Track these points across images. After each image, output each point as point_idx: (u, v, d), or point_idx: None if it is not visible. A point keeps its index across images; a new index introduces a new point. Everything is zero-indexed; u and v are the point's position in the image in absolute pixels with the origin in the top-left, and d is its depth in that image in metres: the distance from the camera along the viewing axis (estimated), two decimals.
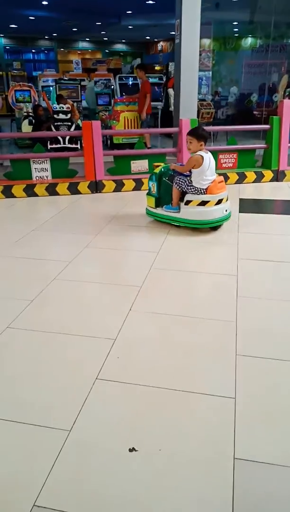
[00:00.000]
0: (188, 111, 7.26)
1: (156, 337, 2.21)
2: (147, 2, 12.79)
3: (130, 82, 11.78)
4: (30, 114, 8.91)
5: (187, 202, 3.78)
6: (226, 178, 5.82)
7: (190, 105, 7.37)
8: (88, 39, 21.69)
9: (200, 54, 7.49)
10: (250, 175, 5.89)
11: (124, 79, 11.96)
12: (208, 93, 11.66)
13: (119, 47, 23.20)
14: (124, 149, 6.70)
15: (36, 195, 5.20)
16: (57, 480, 1.39)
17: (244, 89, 12.02)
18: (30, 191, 5.18)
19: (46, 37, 20.72)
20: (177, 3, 7.01)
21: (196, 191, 3.74)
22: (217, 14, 11.38)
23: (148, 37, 20.41)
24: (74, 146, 7.42)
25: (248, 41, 13.39)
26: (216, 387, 1.81)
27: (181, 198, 3.83)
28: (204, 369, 1.94)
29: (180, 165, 4.01)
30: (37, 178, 5.37)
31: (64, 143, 7.39)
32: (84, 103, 11.07)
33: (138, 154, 5.68)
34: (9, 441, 1.55)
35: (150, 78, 12.00)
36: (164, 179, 3.95)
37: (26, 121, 8.79)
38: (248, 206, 4.73)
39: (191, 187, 3.75)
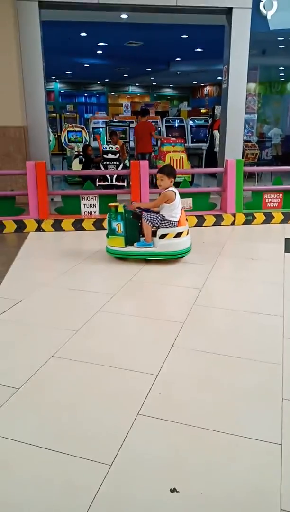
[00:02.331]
0: (233, 152, 7.39)
1: (198, 375, 2.18)
2: (195, 50, 13.38)
3: (177, 124, 12.21)
4: (81, 153, 9.38)
5: (163, 236, 3.96)
6: (271, 217, 5.79)
7: (235, 146, 7.51)
8: (137, 83, 22.82)
9: (246, 98, 7.68)
10: None
11: (170, 121, 12.43)
12: (253, 134, 11.84)
13: (167, 91, 24.21)
14: None
15: (83, 229, 5.40)
16: None
17: (289, 131, 12.10)
18: (78, 225, 5.39)
19: (98, 82, 22.03)
20: (225, 50, 7.32)
21: (169, 225, 3.96)
22: (263, 60, 11.71)
23: (195, 82, 21.20)
24: (120, 184, 7.70)
25: None
26: (261, 432, 1.74)
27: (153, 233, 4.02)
28: (248, 412, 1.88)
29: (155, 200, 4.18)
30: (86, 213, 5.58)
31: (111, 181, 7.69)
32: (131, 144, 11.54)
33: (183, 193, 5.79)
34: (50, 471, 1.55)
35: (195, 121, 12.43)
36: (128, 217, 4.01)
37: (76, 160, 9.26)
38: None
39: (165, 221, 3.96)
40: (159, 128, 11.87)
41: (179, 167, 8.24)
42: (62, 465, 1.58)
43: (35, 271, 3.87)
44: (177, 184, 6.87)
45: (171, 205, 3.95)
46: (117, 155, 8.16)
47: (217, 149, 9.45)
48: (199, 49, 13.34)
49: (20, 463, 1.59)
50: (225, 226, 5.68)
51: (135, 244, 4.02)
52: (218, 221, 5.70)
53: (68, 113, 16.22)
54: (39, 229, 5.32)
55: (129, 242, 3.99)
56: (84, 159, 9.16)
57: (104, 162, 8.11)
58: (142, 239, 4.07)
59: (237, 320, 2.86)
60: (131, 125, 11.09)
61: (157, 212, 4.03)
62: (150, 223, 3.95)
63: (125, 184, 7.78)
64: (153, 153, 9.61)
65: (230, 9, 6.95)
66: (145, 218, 3.95)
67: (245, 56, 7.17)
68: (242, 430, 1.75)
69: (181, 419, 1.82)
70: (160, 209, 4.02)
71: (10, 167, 6.52)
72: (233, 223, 5.73)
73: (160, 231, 3.96)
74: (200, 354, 2.38)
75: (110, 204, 4.08)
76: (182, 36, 11.54)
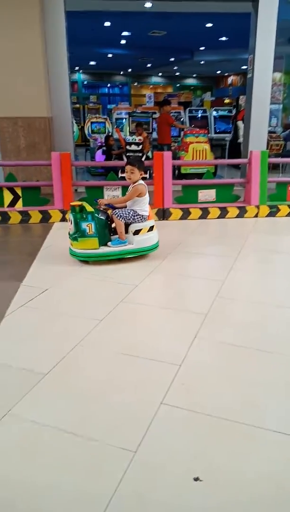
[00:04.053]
0: (257, 143, 7.28)
1: (221, 366, 2.19)
2: (220, 39, 13.17)
3: (199, 115, 12.07)
4: (103, 144, 9.41)
5: (137, 232, 3.82)
6: None
7: (260, 137, 7.40)
8: (160, 74, 22.64)
9: (271, 88, 7.54)
10: None
11: (193, 112, 12.29)
12: (278, 125, 11.60)
13: (190, 81, 23.94)
14: (192, 179, 6.82)
15: None
16: (121, 502, 1.40)
17: None
18: None
19: (121, 72, 21.96)
20: (251, 39, 7.17)
21: (142, 219, 3.83)
22: (289, 49, 11.43)
23: (218, 72, 20.88)
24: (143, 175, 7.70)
25: None
26: (285, 425, 1.74)
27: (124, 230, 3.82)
28: (271, 405, 1.88)
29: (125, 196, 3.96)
30: None
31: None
32: (154, 134, 11.50)
33: (206, 184, 5.76)
34: (76, 455, 1.60)
35: (219, 111, 12.26)
36: (97, 216, 3.72)
37: (99, 151, 9.29)
38: None
39: (137, 216, 3.81)
40: (182, 119, 11.77)
41: (202, 158, 8.18)
42: (88, 449, 1.62)
43: (60, 261, 3.93)
44: (200, 175, 6.87)
45: (143, 199, 3.81)
46: (140, 147, 8.14)
47: (241, 140, 9.33)
48: (223, 38, 13.13)
49: (47, 446, 1.64)
50: (249, 218, 5.62)
51: (109, 243, 3.78)
52: (241, 213, 5.64)
53: (91, 104, 16.24)
54: (64, 219, 5.38)
55: (101, 242, 3.73)
56: (106, 150, 9.19)
57: (127, 154, 8.11)
58: (113, 237, 3.84)
59: (260, 313, 2.85)
60: (154, 115, 11.03)
61: (125, 207, 3.86)
62: (122, 220, 3.75)
63: (147, 175, 7.77)
64: (175, 144, 9.56)
65: None
66: (117, 215, 3.74)
67: (271, 45, 7.03)
68: (266, 423, 1.75)
69: (204, 410, 1.83)
70: (132, 203, 3.82)
71: (36, 158, 6.60)
72: (256, 215, 5.67)
73: (133, 227, 3.80)
74: (223, 345, 2.38)
75: (72, 203, 3.78)
76: (207, 25, 11.37)
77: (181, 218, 5.54)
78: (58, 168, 5.31)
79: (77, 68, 19.95)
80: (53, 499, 1.41)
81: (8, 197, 5.46)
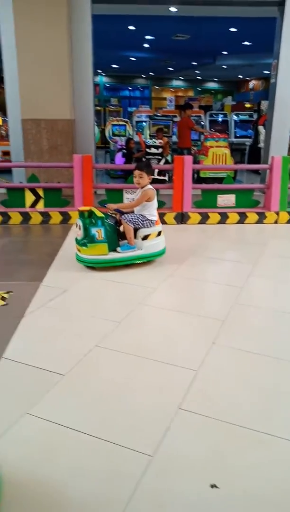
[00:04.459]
0: (279, 149, 7.22)
1: (238, 373, 2.18)
2: (243, 43, 13.11)
3: (220, 119, 12.03)
4: (123, 147, 9.46)
5: (146, 237, 3.76)
6: None
7: (281, 143, 7.33)
8: (181, 77, 22.66)
9: None
10: None
11: (214, 116, 12.26)
12: None
13: (211, 85, 23.88)
14: (211, 183, 6.81)
15: None
16: (138, 506, 1.41)
17: None
18: None
19: (142, 75, 22.05)
20: (276, 44, 7.12)
21: (151, 224, 3.78)
22: None
23: (240, 76, 20.78)
24: (162, 178, 7.72)
25: None
26: None
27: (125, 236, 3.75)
28: (289, 414, 1.87)
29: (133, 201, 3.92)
30: None
31: (153, 175, 7.71)
32: (173, 138, 11.51)
33: (226, 189, 5.74)
34: (94, 457, 1.61)
35: (240, 115, 12.19)
36: (107, 221, 3.68)
37: (119, 154, 9.35)
38: None
39: (146, 221, 3.76)
40: (202, 123, 11.75)
41: (222, 163, 8.15)
42: (105, 452, 1.63)
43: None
44: (219, 180, 6.85)
45: (152, 204, 3.78)
46: (160, 150, 8.17)
47: (261, 144, 9.26)
48: (247, 43, 13.05)
49: (65, 447, 1.66)
50: (268, 224, 5.57)
51: (118, 249, 3.71)
52: (261, 218, 5.60)
53: (112, 107, 16.36)
54: None
55: (110, 248, 3.65)
56: (126, 153, 9.24)
57: (147, 156, 8.15)
58: (121, 243, 3.76)
59: (279, 320, 2.82)
60: (175, 119, 11.04)
61: (132, 212, 3.81)
62: (132, 224, 3.70)
63: (166, 178, 7.80)
64: (195, 148, 9.55)
65: (283, 0, 6.75)
66: (127, 220, 3.69)
67: None
68: (282, 432, 1.74)
69: (221, 416, 1.83)
70: (140, 208, 3.77)
71: (58, 159, 6.67)
72: (276, 222, 5.62)
73: (142, 232, 3.75)
74: (240, 352, 2.37)
75: (80, 208, 3.70)
76: (230, 29, 11.32)
77: (199, 223, 5.53)
78: (80, 170, 5.37)
79: (99, 70, 20.12)
80: (71, 500, 1.43)
81: (30, 198, 5.54)
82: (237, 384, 2.08)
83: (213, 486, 1.48)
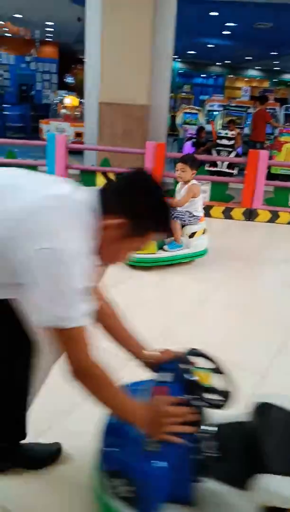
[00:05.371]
0: None
1: None
2: None
3: None
4: (194, 136, 9.35)
5: (192, 235, 3.58)
6: None
7: None
8: (258, 67, 21.86)
9: None
10: None
11: None
12: None
13: (288, 77, 22.81)
14: (284, 181, 6.58)
15: None
16: None
17: None
18: None
19: (218, 63, 21.53)
20: None
21: (196, 221, 3.60)
22: None
23: None
24: (230, 171, 7.56)
25: None
26: None
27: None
28: None
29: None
30: None
31: (221, 167, 7.58)
32: (245, 130, 11.20)
33: None
34: None
35: None
36: None
37: (189, 143, 9.24)
38: None
39: (192, 218, 3.59)
40: (276, 116, 11.30)
41: None
42: None
43: None
44: None
45: (197, 200, 3.62)
46: (232, 142, 7.99)
47: None
48: None
49: None
50: None
51: (166, 247, 3.56)
52: None
53: (184, 94, 16.14)
54: None
55: (158, 246, 3.53)
56: (196, 142, 9.12)
57: (217, 148, 8.00)
58: (168, 240, 3.61)
59: None
60: (248, 110, 10.72)
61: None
62: (180, 221, 3.58)
63: (235, 172, 7.62)
64: (267, 142, 9.24)
65: None
66: (174, 216, 3.56)
67: None
68: None
69: None
70: (187, 204, 3.59)
71: (130, 145, 6.73)
72: None
73: (189, 229, 3.61)
74: None
75: None
76: None
77: (268, 221, 5.38)
78: (152, 158, 5.40)
79: (175, 56, 19.91)
80: None
81: (101, 181, 5.66)
82: None
83: None
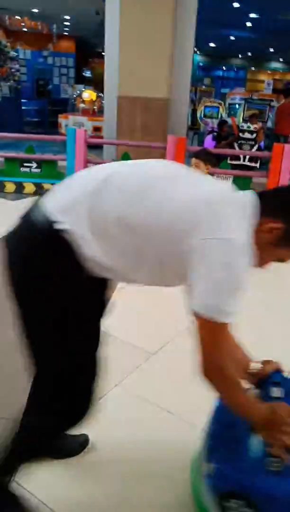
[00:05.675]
0: None
1: None
2: None
3: None
4: (215, 130, 9.22)
5: None
6: None
7: None
8: (281, 59, 21.44)
9: None
10: None
11: None
12: None
13: None
14: None
15: None
16: None
17: None
18: None
19: (239, 56, 21.21)
20: None
21: None
22: None
23: None
24: (253, 165, 7.42)
25: None
26: None
27: None
28: None
29: None
30: None
31: (243, 160, 7.45)
32: (268, 124, 10.99)
33: None
34: (170, 433, 1.63)
35: None
36: None
37: (209, 137, 9.12)
38: None
39: None
40: None
41: None
42: (181, 430, 1.70)
43: None
44: None
45: None
46: (254, 135, 7.84)
47: None
48: None
49: (147, 420, 1.76)
50: None
51: None
52: None
53: (204, 87, 15.94)
54: None
55: None
56: (217, 136, 8.99)
57: (239, 141, 7.87)
58: None
59: None
60: (271, 103, 10.51)
61: None
62: None
63: (257, 165, 7.48)
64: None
65: None
66: None
67: None
68: None
69: None
70: None
71: (149, 139, 6.67)
72: None
73: None
74: None
75: None
76: None
77: None
78: (172, 152, 5.34)
79: (195, 49, 19.68)
80: (150, 467, 1.54)
81: None
82: None
83: None
